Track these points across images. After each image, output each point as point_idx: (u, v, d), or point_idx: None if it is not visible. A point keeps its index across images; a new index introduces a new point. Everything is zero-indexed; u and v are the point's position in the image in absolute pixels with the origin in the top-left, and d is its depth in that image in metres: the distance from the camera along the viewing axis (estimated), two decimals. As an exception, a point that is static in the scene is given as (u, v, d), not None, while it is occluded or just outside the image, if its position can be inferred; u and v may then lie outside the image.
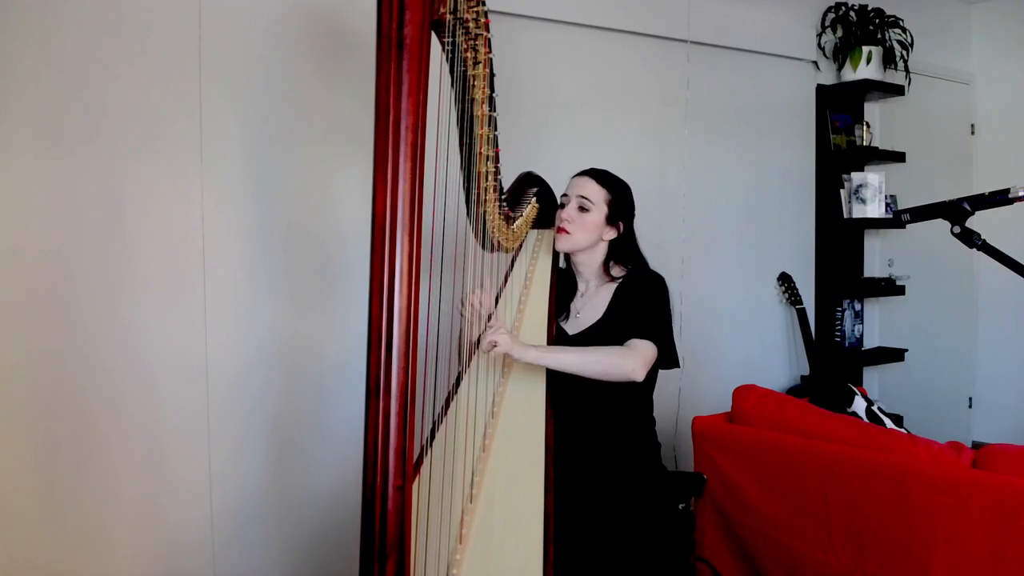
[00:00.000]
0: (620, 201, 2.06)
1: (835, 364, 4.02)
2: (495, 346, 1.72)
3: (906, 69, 4.00)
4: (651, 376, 2.08)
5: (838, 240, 4.10)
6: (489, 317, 1.84)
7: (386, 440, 1.00)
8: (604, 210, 2.03)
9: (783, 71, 3.83)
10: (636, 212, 2.11)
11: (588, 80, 3.18)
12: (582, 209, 2.02)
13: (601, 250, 2.08)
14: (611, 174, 2.09)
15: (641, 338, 1.90)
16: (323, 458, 2.55)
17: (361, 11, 2.26)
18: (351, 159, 2.55)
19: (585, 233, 2.03)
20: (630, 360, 1.85)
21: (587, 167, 2.12)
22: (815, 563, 2.29)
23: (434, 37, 1.23)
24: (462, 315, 1.76)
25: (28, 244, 2.08)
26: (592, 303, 2.07)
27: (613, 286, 2.05)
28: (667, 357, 2.01)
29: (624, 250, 2.08)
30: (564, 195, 2.08)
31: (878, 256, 4.41)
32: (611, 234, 2.06)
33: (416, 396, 1.03)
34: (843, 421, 2.35)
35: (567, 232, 2.03)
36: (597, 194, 2.03)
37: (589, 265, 2.10)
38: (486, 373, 1.86)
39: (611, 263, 2.08)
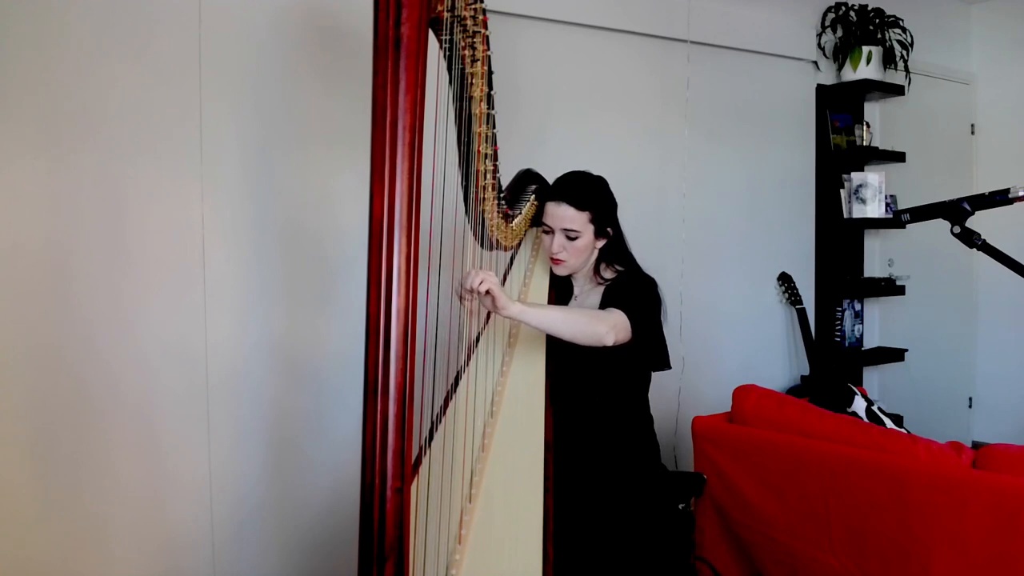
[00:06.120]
0: (602, 213, 2.02)
1: (835, 364, 4.02)
2: (482, 283, 1.61)
3: (906, 69, 4.00)
4: (645, 375, 2.08)
5: (838, 240, 4.10)
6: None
7: (384, 441, 0.99)
8: (591, 229, 2.00)
9: (783, 71, 3.83)
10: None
11: (588, 80, 3.17)
12: (569, 239, 2.00)
13: (593, 256, 2.08)
14: (583, 185, 2.02)
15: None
16: (323, 457, 2.55)
17: (361, 10, 2.26)
18: (350, 158, 2.55)
19: (579, 257, 2.03)
20: (603, 324, 1.82)
21: (564, 173, 2.05)
22: (815, 563, 2.29)
23: (432, 35, 1.23)
24: (460, 300, 1.71)
25: (28, 244, 2.08)
26: (585, 305, 2.06)
27: (603, 288, 2.05)
28: (657, 359, 2.01)
29: (613, 252, 2.08)
30: (546, 225, 2.02)
31: (878, 256, 4.41)
32: (602, 243, 2.06)
33: (415, 396, 1.03)
34: (843, 421, 2.34)
35: (562, 261, 2.02)
36: (578, 219, 1.98)
37: (582, 270, 2.10)
38: (485, 372, 1.85)
39: (601, 265, 2.08)
